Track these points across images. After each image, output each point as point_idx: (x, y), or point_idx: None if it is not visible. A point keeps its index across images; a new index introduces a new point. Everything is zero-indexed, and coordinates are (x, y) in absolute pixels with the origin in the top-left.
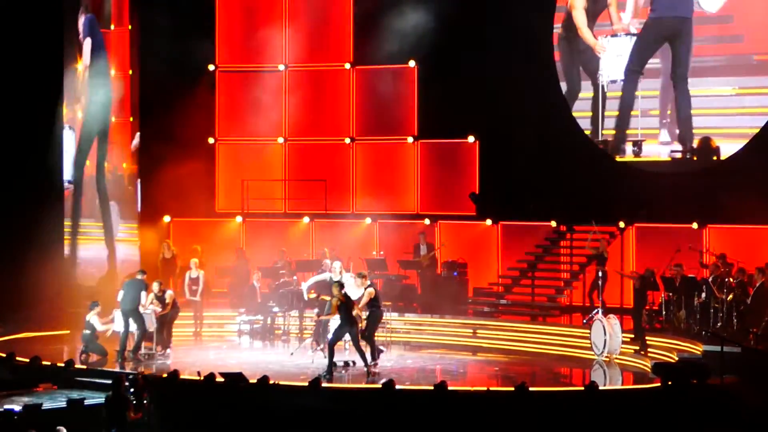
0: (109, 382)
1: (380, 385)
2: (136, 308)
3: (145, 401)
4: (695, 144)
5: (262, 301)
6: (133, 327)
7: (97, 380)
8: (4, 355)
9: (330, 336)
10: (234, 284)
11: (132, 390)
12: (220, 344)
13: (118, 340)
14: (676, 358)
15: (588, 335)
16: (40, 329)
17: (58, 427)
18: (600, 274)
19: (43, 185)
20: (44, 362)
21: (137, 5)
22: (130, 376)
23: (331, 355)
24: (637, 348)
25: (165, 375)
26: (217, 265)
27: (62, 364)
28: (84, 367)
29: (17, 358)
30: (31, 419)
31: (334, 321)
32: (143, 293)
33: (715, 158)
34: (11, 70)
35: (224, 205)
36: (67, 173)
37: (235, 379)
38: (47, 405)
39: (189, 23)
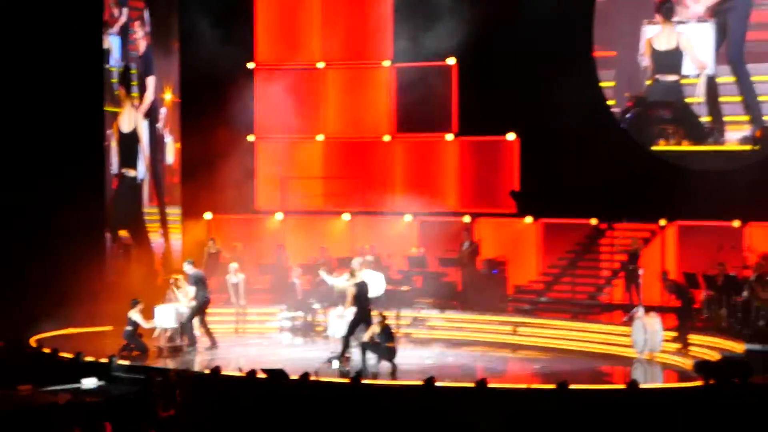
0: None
1: (421, 382)
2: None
3: (178, 398)
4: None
5: (303, 297)
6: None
7: (138, 376)
8: (48, 350)
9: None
10: (274, 281)
11: (163, 387)
12: (261, 340)
13: (161, 336)
14: (719, 357)
15: (628, 333)
16: (83, 325)
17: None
18: (633, 271)
19: (85, 181)
20: (87, 358)
21: (177, 4)
22: (167, 373)
23: (346, 345)
24: (680, 346)
25: (207, 371)
26: (257, 262)
27: (104, 360)
28: (126, 363)
29: (60, 354)
30: (73, 414)
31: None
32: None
33: None
34: (58, 67)
35: (264, 203)
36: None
37: (277, 375)
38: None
39: (228, 22)
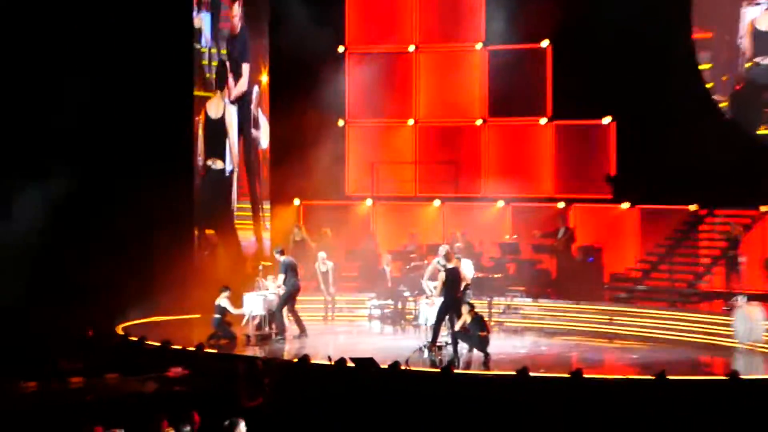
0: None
1: (514, 373)
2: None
3: (266, 387)
4: None
5: (393, 285)
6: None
7: (226, 365)
8: (135, 339)
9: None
10: (364, 268)
11: (251, 375)
12: (350, 329)
13: (249, 324)
14: None
15: (729, 322)
16: (172, 313)
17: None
18: (733, 258)
19: (175, 170)
20: (174, 346)
21: None
22: (254, 361)
23: (436, 334)
24: None
25: (295, 360)
26: (347, 248)
27: (192, 348)
28: (214, 351)
29: (148, 342)
30: (161, 403)
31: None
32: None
33: None
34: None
35: (354, 188)
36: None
37: (366, 364)
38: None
39: (318, 5)
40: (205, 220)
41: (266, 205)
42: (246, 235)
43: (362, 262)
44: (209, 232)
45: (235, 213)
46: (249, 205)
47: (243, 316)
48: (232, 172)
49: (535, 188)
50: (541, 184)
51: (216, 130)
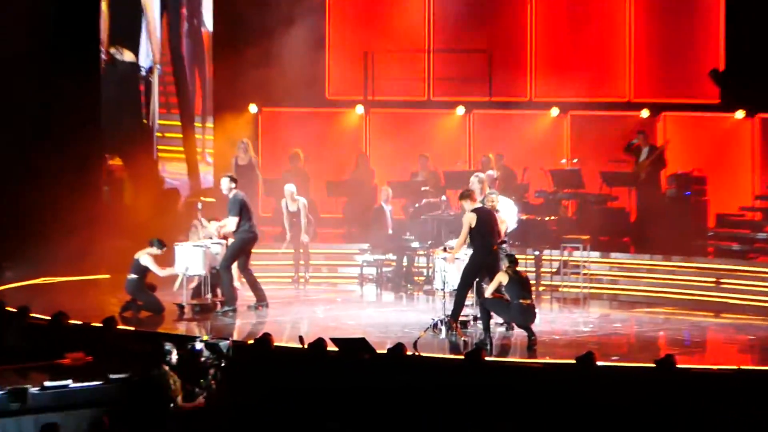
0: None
1: (573, 361)
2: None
3: (211, 381)
4: None
5: (395, 232)
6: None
7: (148, 348)
8: (14, 310)
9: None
10: (353, 207)
11: (188, 365)
12: (332, 296)
13: (183, 288)
14: None
15: None
16: (69, 273)
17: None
18: None
19: (72, 61)
20: (72, 321)
21: None
22: (193, 344)
23: (460, 304)
24: None
25: (251, 341)
26: (327, 178)
27: (98, 325)
28: (130, 328)
29: (32, 315)
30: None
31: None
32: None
33: None
34: None
35: (338, 90)
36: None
37: (356, 347)
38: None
39: None
40: (108, 142)
41: (209, 123)
42: (174, 168)
43: (350, 199)
44: (114, 162)
45: (157, 134)
46: (178, 123)
47: (174, 277)
48: (150, 70)
49: (606, 89)
50: (616, 84)
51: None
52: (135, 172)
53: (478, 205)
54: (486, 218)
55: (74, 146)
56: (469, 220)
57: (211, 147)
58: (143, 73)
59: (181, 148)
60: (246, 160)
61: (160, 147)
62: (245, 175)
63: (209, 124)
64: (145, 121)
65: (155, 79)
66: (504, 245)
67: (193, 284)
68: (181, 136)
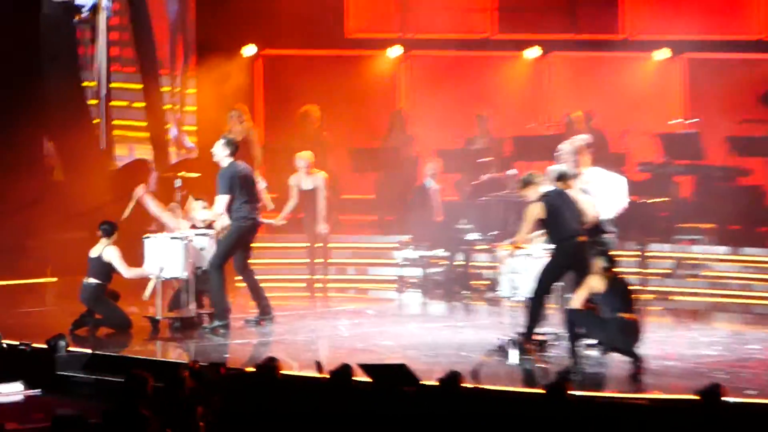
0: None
1: (696, 397)
2: None
3: (199, 423)
4: None
5: (446, 219)
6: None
7: (112, 378)
8: None
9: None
10: (387, 185)
11: (165, 400)
12: (361, 308)
13: (157, 296)
14: None
15: None
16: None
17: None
18: None
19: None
20: (5, 342)
21: None
22: (176, 371)
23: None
24: None
25: (251, 369)
26: (351, 144)
27: (41, 347)
28: (86, 351)
29: None
30: None
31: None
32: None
33: None
34: None
35: (363, 25)
36: None
37: (394, 377)
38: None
39: None
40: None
41: (190, 82)
42: (129, 151)
43: (383, 174)
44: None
45: (108, 102)
46: (138, 85)
47: (143, 282)
48: (94, 9)
49: (734, 24)
50: (747, 17)
51: None
52: (69, 156)
53: (549, 187)
54: (562, 203)
55: (12, 117)
56: (534, 212)
57: (192, 104)
58: (84, 14)
59: (142, 122)
60: (242, 135)
61: (116, 126)
62: (242, 156)
63: (191, 83)
64: (85, 83)
65: (101, 23)
66: (601, 237)
67: (174, 289)
68: (143, 105)
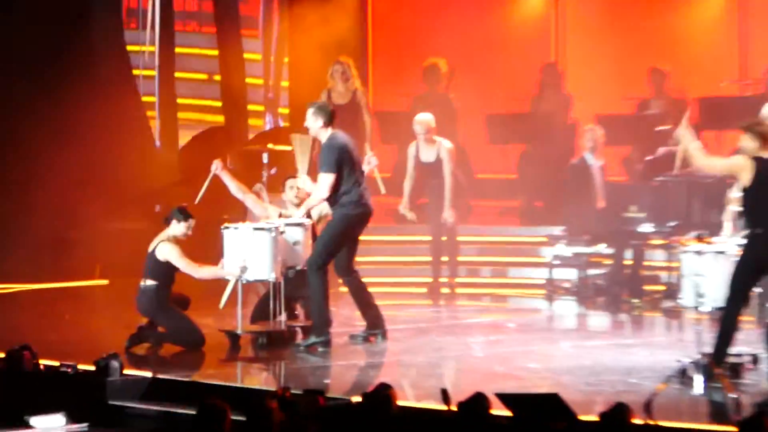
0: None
1: None
2: None
3: None
4: None
5: (611, 205)
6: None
7: (179, 410)
8: None
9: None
10: (534, 161)
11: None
12: (499, 319)
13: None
14: None
15: None
16: (37, 277)
17: None
18: None
19: None
20: (42, 362)
21: None
22: (262, 399)
23: (727, 334)
24: None
25: (357, 399)
26: (488, 109)
27: (89, 368)
28: (146, 374)
29: None
30: None
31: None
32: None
33: None
34: None
35: None
36: None
37: (543, 410)
38: None
39: None
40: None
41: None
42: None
43: (530, 147)
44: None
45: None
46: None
47: (222, 283)
48: None
49: None
50: None
51: None
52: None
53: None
54: None
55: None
56: (741, 165)
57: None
58: None
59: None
60: (347, 97)
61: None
62: (347, 123)
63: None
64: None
65: None
66: None
67: (260, 295)
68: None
